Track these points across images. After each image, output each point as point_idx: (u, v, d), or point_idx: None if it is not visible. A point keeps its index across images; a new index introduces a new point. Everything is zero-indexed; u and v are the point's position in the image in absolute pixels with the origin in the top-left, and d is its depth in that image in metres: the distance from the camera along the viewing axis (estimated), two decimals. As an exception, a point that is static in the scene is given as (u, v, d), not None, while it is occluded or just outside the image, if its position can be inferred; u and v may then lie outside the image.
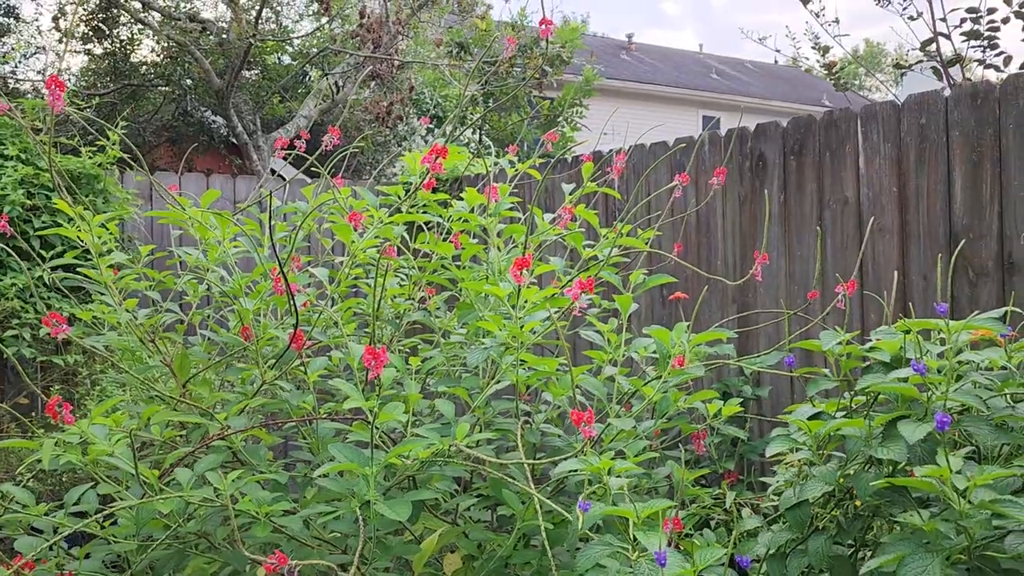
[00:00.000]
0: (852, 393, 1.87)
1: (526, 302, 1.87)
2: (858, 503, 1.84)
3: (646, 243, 2.36)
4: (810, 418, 1.80)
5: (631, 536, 1.54)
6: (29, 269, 3.97)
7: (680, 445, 2.46)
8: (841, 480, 1.76)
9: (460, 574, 2.18)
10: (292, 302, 1.97)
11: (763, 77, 25.14)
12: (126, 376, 2.28)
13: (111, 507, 1.73)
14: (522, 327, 1.85)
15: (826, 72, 5.13)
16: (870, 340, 1.85)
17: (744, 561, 1.69)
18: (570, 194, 2.54)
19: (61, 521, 1.77)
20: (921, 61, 4.64)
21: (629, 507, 1.50)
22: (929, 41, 4.27)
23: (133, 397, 2.42)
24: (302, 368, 2.15)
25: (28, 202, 3.95)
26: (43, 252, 3.82)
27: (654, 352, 2.19)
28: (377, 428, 1.85)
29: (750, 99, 21.81)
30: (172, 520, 1.83)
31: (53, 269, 3.19)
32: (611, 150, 3.48)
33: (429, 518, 2.28)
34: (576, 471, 1.61)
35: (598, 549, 1.49)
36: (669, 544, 1.54)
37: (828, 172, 3.11)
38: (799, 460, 1.84)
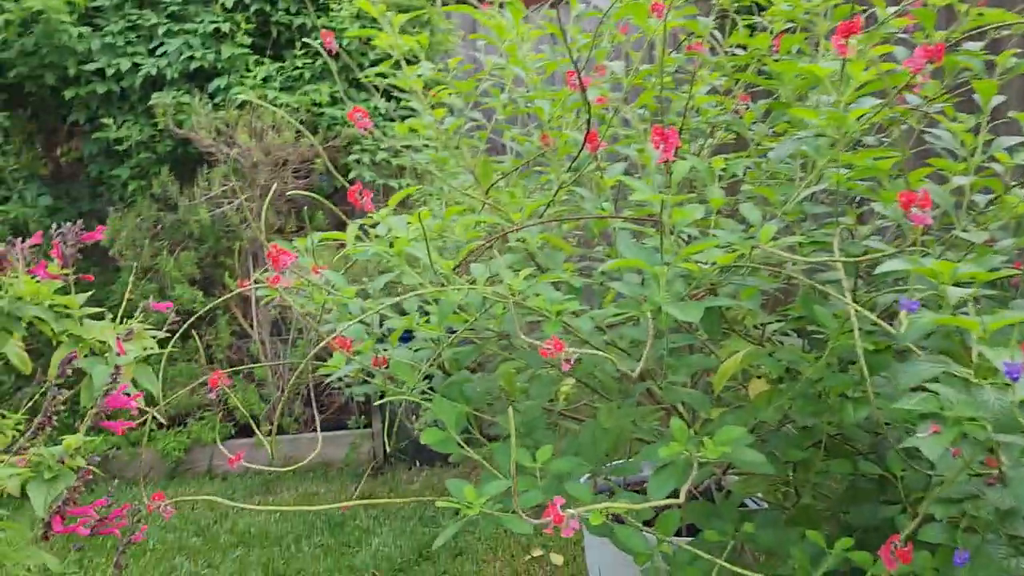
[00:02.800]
0: None
1: (851, 83, 1.56)
2: None
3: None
4: None
5: (972, 359, 1.26)
6: (365, 101, 4.27)
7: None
8: None
9: (764, 397, 2.01)
10: (584, 97, 1.84)
11: None
12: (435, 182, 2.35)
13: (412, 293, 1.79)
14: (846, 113, 1.55)
15: None
16: None
17: None
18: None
19: (371, 305, 1.88)
20: None
21: (972, 318, 1.21)
22: None
23: (442, 201, 2.50)
24: (599, 173, 2.04)
25: (363, 32, 4.21)
26: (376, 86, 4.08)
27: (1024, 157, 1.75)
28: (671, 232, 1.70)
29: None
30: (470, 315, 1.87)
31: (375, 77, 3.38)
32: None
33: (732, 339, 2.12)
34: (902, 273, 1.33)
35: (927, 366, 1.24)
36: (1024, 371, 1.23)
37: None
38: None
